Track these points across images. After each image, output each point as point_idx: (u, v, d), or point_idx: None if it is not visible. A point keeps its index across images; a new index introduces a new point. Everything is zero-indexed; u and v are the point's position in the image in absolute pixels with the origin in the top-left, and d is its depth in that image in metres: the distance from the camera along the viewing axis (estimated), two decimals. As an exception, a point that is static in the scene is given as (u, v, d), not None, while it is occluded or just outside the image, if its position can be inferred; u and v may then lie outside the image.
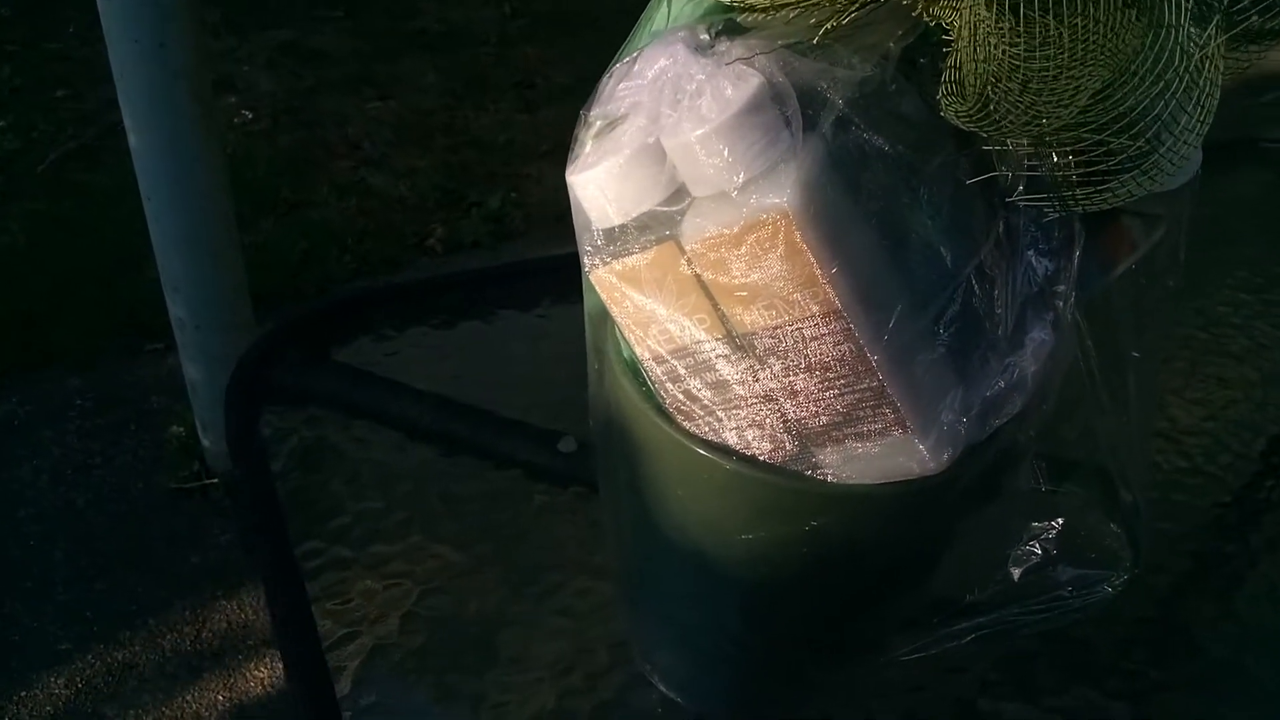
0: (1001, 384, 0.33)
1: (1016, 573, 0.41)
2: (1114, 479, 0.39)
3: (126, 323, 1.81)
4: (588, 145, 0.34)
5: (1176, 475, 0.63)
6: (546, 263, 0.74)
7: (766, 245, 0.30)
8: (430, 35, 2.68)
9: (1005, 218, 0.33)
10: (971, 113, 0.28)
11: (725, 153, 0.29)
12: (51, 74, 2.39)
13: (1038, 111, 0.27)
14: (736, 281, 0.31)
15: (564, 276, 0.73)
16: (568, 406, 0.63)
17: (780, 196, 0.29)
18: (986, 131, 0.29)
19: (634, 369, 0.37)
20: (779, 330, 0.32)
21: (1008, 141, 0.31)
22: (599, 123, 0.33)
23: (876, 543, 0.36)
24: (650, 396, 0.37)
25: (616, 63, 0.35)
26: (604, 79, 0.34)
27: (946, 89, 0.30)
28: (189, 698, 1.40)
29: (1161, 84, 0.27)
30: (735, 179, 0.30)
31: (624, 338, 0.36)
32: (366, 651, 0.49)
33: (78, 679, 1.40)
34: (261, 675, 1.43)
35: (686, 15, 0.34)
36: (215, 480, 1.57)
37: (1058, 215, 0.32)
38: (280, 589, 0.50)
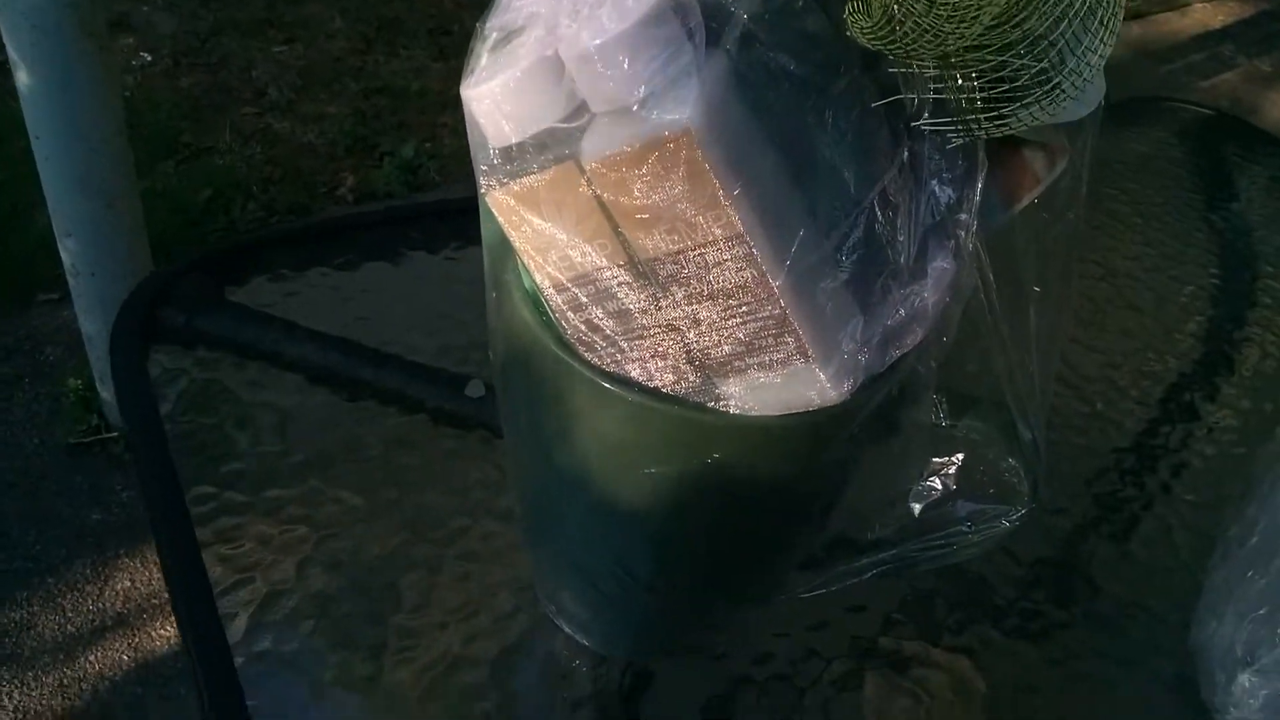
0: (902, 313, 0.33)
1: (916, 508, 0.42)
2: (1013, 414, 0.39)
3: (18, 271, 1.73)
4: (483, 59, 0.32)
5: (1077, 419, 0.65)
6: (454, 204, 0.72)
7: (668, 165, 0.29)
8: (339, -23, 2.59)
9: (909, 144, 0.32)
10: (877, 30, 0.27)
11: (625, 65, 0.28)
12: (-68, 7, 2.25)
13: (942, 29, 0.27)
14: (637, 203, 0.30)
15: (472, 219, 0.71)
16: (475, 350, 0.62)
17: (682, 113, 0.28)
18: (892, 51, 0.28)
19: (534, 299, 0.36)
20: (681, 255, 0.31)
21: (913, 64, 0.30)
22: (494, 35, 0.32)
23: (778, 476, 0.36)
24: (551, 327, 0.35)
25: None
26: (499, -10, 0.32)
27: (853, 5, 0.29)
28: (92, 658, 1.36)
29: (1065, 3, 0.26)
30: (635, 94, 0.28)
31: (523, 265, 0.35)
32: (261, 597, 0.47)
33: (-30, 640, 1.35)
34: (167, 634, 1.39)
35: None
36: (115, 434, 1.52)
37: (961, 142, 0.31)
38: (168, 534, 0.48)
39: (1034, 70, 0.29)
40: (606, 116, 0.30)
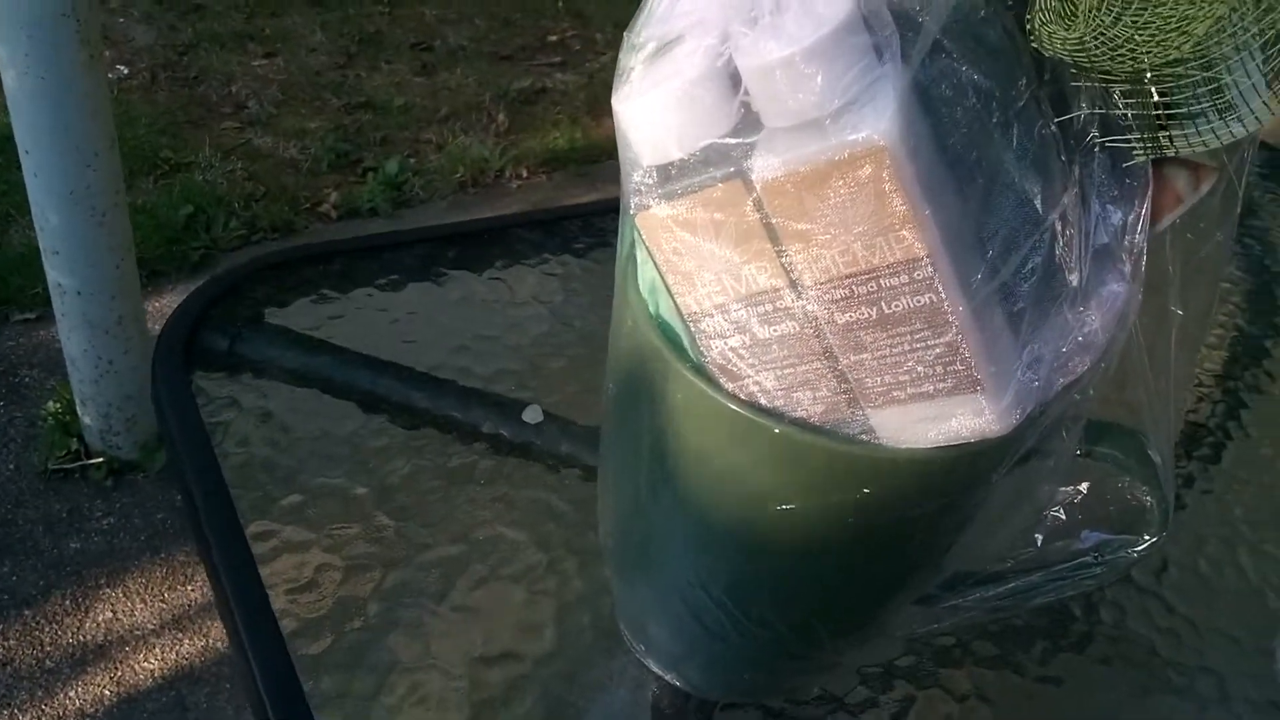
0: (1073, 341, 0.31)
1: (1039, 539, 0.40)
2: (1147, 441, 0.37)
3: (-8, 290, 1.68)
4: (636, 69, 0.30)
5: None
6: (492, 223, 0.70)
7: (853, 184, 0.27)
8: (319, -9, 2.56)
9: (1081, 161, 0.31)
10: (1085, 40, 0.26)
11: (815, 77, 0.26)
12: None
13: (1151, 40, 0.25)
14: (811, 225, 0.28)
15: (511, 236, 0.69)
16: (530, 375, 0.59)
17: (877, 130, 0.26)
18: (1084, 65, 0.27)
19: (663, 324, 0.34)
20: (852, 279, 0.29)
21: (1101, 78, 0.28)
22: (650, 45, 0.30)
23: (925, 511, 0.34)
24: (683, 353, 0.33)
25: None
26: (653, -4, 0.30)
27: (1043, 15, 0.27)
28: (72, 694, 1.31)
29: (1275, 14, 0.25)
30: (825, 108, 0.26)
31: (665, 289, 0.32)
32: (329, 644, 0.44)
33: (-53, 676, 1.29)
34: (151, 667, 1.35)
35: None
36: (97, 461, 1.47)
37: (1136, 159, 0.30)
38: (232, 579, 0.45)
39: (1213, 86, 0.28)
40: (784, 131, 0.28)
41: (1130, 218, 0.31)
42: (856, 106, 0.26)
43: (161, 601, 1.39)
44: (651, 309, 0.35)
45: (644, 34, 0.30)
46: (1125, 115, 0.29)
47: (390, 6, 2.55)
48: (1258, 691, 0.50)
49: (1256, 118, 0.29)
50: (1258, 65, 0.28)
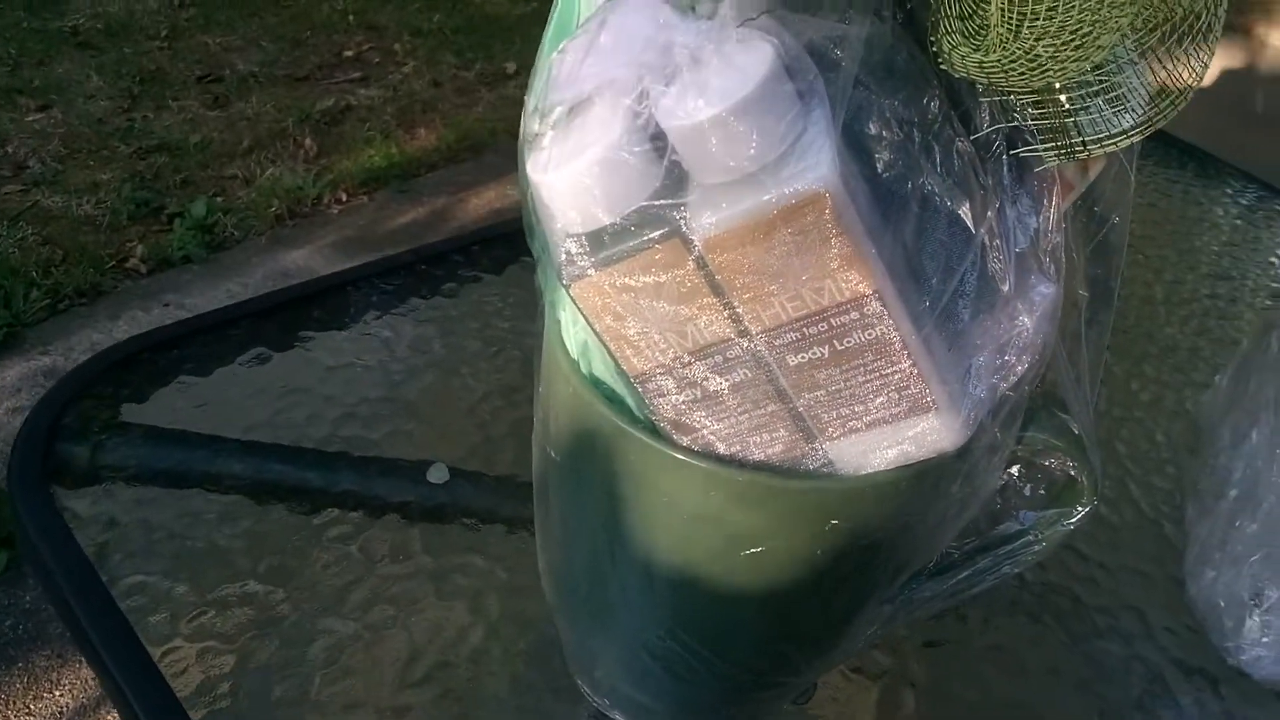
0: (1014, 345, 0.31)
1: (984, 528, 0.41)
2: (1069, 419, 0.39)
3: None
4: (546, 136, 0.28)
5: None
6: (353, 274, 0.66)
7: (799, 231, 0.27)
8: (86, 33, 2.39)
9: (993, 171, 0.31)
10: (1003, 62, 0.26)
11: (748, 134, 0.25)
12: None
13: (1076, 56, 0.25)
14: (755, 275, 0.28)
15: (376, 286, 0.66)
16: (424, 432, 0.57)
17: (817, 178, 0.26)
18: (1009, 81, 0.27)
19: (601, 384, 0.33)
20: (802, 322, 0.28)
21: (1006, 93, 0.29)
22: (557, 110, 0.28)
23: (888, 530, 0.34)
24: (631, 413, 0.32)
25: (554, 39, 0.30)
26: (554, 58, 0.29)
27: (956, 38, 0.27)
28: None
29: (1195, 15, 0.26)
30: (760, 161, 0.26)
31: (601, 349, 0.31)
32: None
33: None
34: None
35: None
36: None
37: (1048, 164, 0.31)
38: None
39: (1105, 85, 0.29)
40: (719, 186, 0.27)
41: (1044, 219, 0.32)
42: (793, 156, 0.26)
43: (29, 714, 1.28)
44: (584, 369, 0.34)
45: (550, 98, 0.28)
46: (1035, 124, 0.30)
47: (168, 40, 2.40)
48: (1174, 619, 0.53)
49: (1141, 106, 0.30)
50: (1129, 53, 0.30)
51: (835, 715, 0.48)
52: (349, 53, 2.51)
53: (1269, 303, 0.80)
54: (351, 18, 2.63)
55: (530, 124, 0.29)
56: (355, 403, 0.57)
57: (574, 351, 0.34)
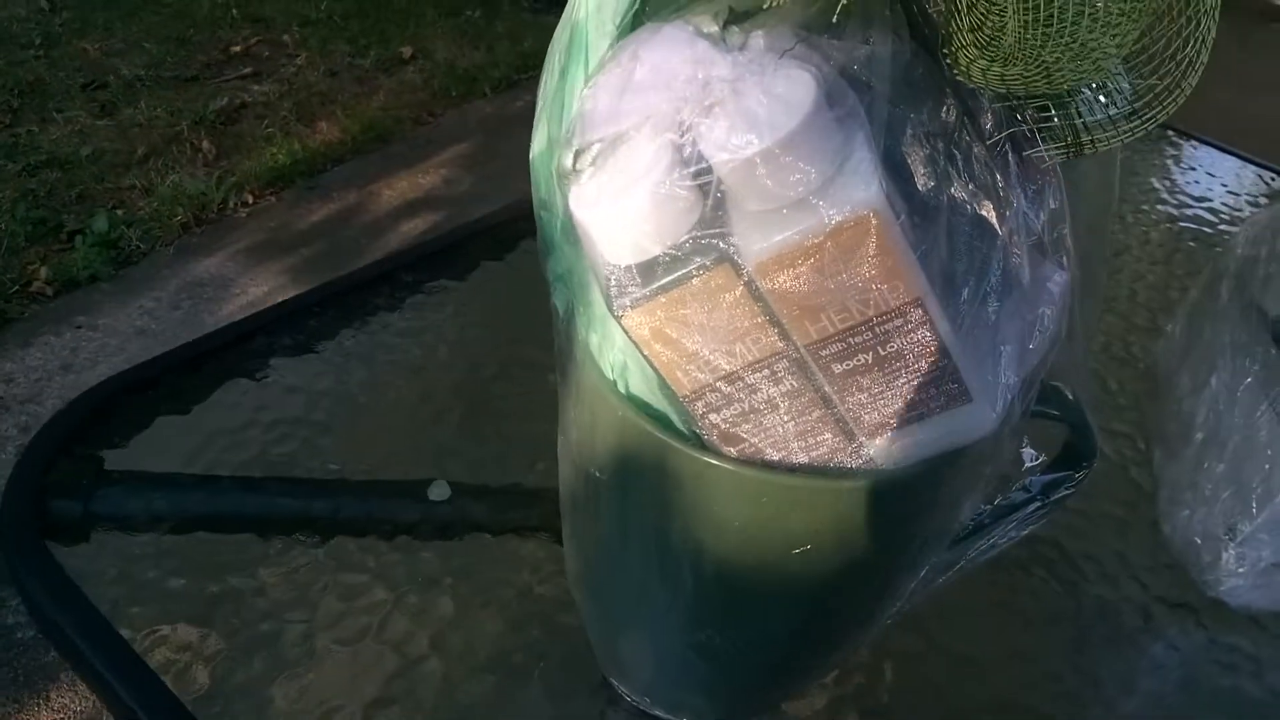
0: (1036, 333, 0.33)
1: (997, 498, 0.43)
2: (1066, 389, 0.41)
3: None
4: (585, 171, 0.29)
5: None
6: (306, 299, 0.65)
7: (846, 251, 0.28)
8: (-48, 46, 2.26)
9: (1001, 169, 0.32)
10: (1025, 75, 0.27)
11: (796, 164, 0.26)
12: None
13: (1096, 61, 0.27)
14: (805, 293, 0.29)
15: (348, 303, 0.65)
16: (421, 450, 0.57)
17: (864, 200, 0.27)
18: (1028, 88, 0.28)
19: (639, 400, 0.34)
20: (849, 333, 0.30)
21: (1020, 96, 0.30)
22: (596, 145, 0.29)
23: (927, 514, 0.36)
24: (678, 430, 0.33)
25: (579, 71, 0.30)
26: (585, 94, 0.29)
27: (971, 51, 0.29)
28: None
29: (1194, 21, 0.27)
30: (807, 189, 0.27)
31: (646, 374, 0.32)
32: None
33: None
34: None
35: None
36: None
37: (1056, 160, 0.32)
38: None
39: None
40: (764, 212, 0.28)
41: (1053, 210, 0.34)
42: (839, 181, 0.27)
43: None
44: (622, 388, 0.34)
45: (585, 137, 0.29)
46: (1041, 126, 0.31)
47: (44, 49, 2.29)
48: (1153, 559, 0.56)
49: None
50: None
51: (855, 688, 0.50)
52: (236, 48, 2.43)
53: (1203, 248, 0.84)
54: (235, 11, 2.55)
55: (565, 160, 0.29)
56: (334, 426, 0.57)
57: (611, 372, 0.34)
